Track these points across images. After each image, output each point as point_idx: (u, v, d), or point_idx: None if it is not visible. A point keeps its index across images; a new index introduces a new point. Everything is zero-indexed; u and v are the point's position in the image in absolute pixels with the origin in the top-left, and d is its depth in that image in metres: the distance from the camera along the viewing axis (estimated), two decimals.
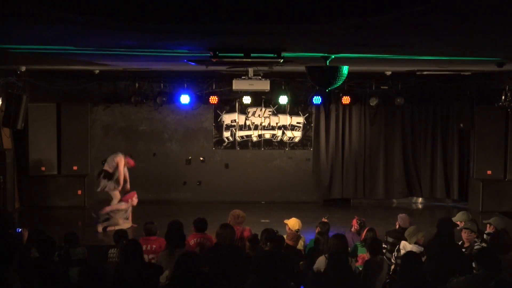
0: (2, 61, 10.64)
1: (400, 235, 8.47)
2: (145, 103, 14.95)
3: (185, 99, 14.30)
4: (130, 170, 15.25)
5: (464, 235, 8.05)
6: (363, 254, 8.16)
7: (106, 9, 4.45)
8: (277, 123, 15.46)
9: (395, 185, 15.36)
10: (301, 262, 8.17)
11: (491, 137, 14.31)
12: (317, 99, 14.46)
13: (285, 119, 15.44)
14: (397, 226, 8.89)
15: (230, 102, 15.22)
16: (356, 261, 8.13)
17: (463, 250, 7.90)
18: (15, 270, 5.93)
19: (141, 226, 8.74)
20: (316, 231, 9.00)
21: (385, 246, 8.55)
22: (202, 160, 14.54)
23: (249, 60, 7.27)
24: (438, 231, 7.99)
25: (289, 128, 15.48)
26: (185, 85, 14.47)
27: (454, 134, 15.10)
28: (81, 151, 14.57)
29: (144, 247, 7.67)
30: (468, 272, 6.61)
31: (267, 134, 15.49)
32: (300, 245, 8.93)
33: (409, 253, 6.86)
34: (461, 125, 14.42)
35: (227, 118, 15.40)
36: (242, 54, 7.11)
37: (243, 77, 11.56)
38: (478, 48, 7.39)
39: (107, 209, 11.73)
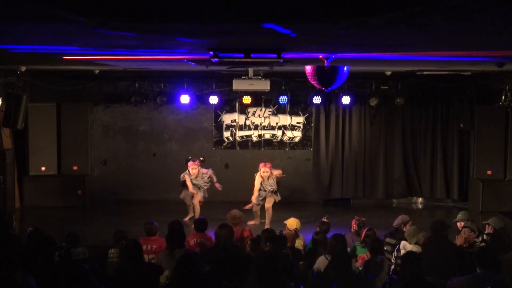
0: (2, 61, 10.64)
1: (399, 235, 8.47)
2: (145, 103, 14.96)
3: (185, 99, 14.30)
4: (132, 169, 15.29)
5: (464, 234, 8.05)
6: (363, 255, 8.16)
7: (106, 9, 4.46)
8: (277, 123, 15.46)
9: (395, 185, 15.36)
10: (301, 262, 8.17)
11: (491, 137, 14.31)
12: (317, 99, 14.46)
13: (285, 119, 15.44)
14: (395, 225, 8.88)
15: (230, 102, 15.23)
16: (356, 261, 8.14)
17: (464, 250, 7.90)
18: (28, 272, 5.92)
19: (142, 226, 8.74)
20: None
21: (385, 247, 8.53)
22: (202, 160, 14.52)
23: (249, 60, 7.27)
24: (433, 233, 7.99)
25: (289, 128, 15.48)
26: (185, 85, 14.48)
27: (454, 134, 15.09)
28: (81, 151, 14.57)
29: (144, 247, 7.68)
30: (467, 272, 6.61)
31: (267, 134, 15.50)
32: (299, 245, 8.94)
33: (409, 253, 6.86)
34: (461, 125, 14.42)
35: (227, 118, 15.40)
36: (242, 54, 7.11)
37: (243, 77, 11.56)
38: (478, 47, 7.39)
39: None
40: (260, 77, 11.61)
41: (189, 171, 12.65)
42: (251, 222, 12.19)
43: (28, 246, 7.44)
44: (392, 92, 14.46)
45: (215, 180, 12.90)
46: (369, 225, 9.07)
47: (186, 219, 12.46)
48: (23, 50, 8.22)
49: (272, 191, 12.28)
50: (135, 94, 14.64)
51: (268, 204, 12.20)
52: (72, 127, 14.56)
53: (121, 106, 15.18)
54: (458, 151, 15.13)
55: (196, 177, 12.64)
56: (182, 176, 12.73)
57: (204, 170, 12.88)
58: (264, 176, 12.22)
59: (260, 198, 12.34)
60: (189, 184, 12.60)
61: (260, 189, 12.32)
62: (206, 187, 12.79)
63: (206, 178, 12.81)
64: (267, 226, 11.35)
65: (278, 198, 12.35)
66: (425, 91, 14.83)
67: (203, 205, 12.61)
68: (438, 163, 15.20)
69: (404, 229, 8.51)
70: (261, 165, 12.35)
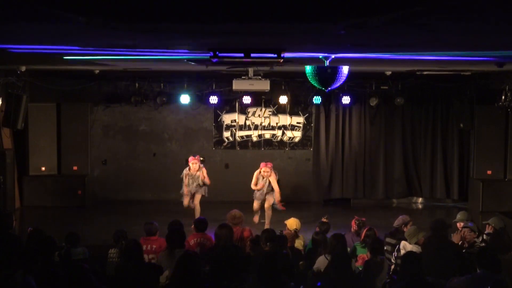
0: (2, 61, 10.64)
1: (399, 235, 8.47)
2: (145, 103, 14.97)
3: (185, 99, 14.31)
4: (132, 169, 15.30)
5: (463, 233, 8.04)
6: (363, 255, 8.16)
7: (106, 9, 4.46)
8: (277, 123, 15.47)
9: (395, 185, 15.37)
10: (300, 262, 8.17)
11: (491, 137, 14.31)
12: (317, 99, 14.46)
13: (285, 119, 15.44)
14: (395, 226, 8.87)
15: (230, 102, 15.23)
16: (356, 261, 8.13)
17: (463, 250, 7.90)
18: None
19: (142, 226, 8.74)
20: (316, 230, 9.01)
21: (385, 247, 8.53)
22: (202, 160, 14.55)
23: (249, 60, 7.27)
24: (433, 233, 7.97)
25: (289, 128, 15.48)
26: (185, 85, 14.48)
27: (454, 134, 15.10)
28: (81, 151, 14.57)
29: (144, 247, 7.68)
30: (467, 272, 6.61)
31: (267, 134, 15.50)
32: (299, 245, 8.94)
33: (409, 253, 6.85)
34: (461, 125, 14.43)
35: (227, 118, 15.40)
36: (242, 54, 7.11)
37: (243, 77, 11.55)
38: (478, 47, 7.39)
39: None
40: (260, 77, 11.61)
41: (189, 167, 12.53)
42: (256, 218, 12.16)
43: (28, 246, 7.44)
44: (392, 92, 14.47)
45: (203, 178, 12.51)
46: (369, 225, 9.07)
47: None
48: (23, 50, 8.22)
49: (268, 192, 12.24)
50: (135, 94, 14.64)
51: (267, 204, 12.20)
52: (72, 127, 14.56)
53: (121, 106, 15.19)
54: (458, 151, 15.13)
55: (195, 174, 12.47)
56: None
57: (204, 170, 12.77)
58: (265, 176, 12.21)
59: (262, 196, 12.28)
60: (185, 183, 12.47)
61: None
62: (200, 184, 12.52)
63: (201, 178, 12.51)
64: (266, 226, 11.37)
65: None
66: (425, 91, 14.83)
67: (203, 205, 12.58)
68: (438, 163, 15.20)
69: (405, 229, 8.50)
70: (262, 164, 12.33)
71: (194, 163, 12.50)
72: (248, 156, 15.40)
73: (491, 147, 14.31)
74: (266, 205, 12.20)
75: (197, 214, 12.19)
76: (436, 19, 4.75)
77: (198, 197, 12.53)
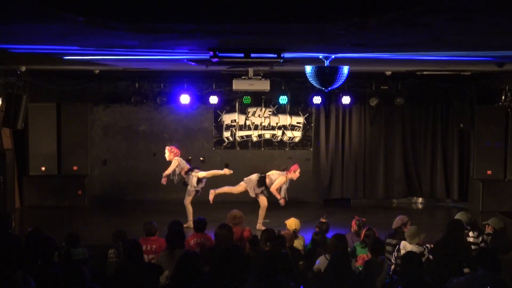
0: (2, 61, 10.64)
1: (400, 236, 8.46)
2: (145, 103, 14.95)
3: (185, 99, 14.30)
4: (132, 169, 15.29)
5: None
6: (363, 255, 8.15)
7: (106, 9, 4.46)
8: (277, 123, 15.46)
9: (395, 185, 15.36)
10: (300, 262, 8.17)
11: (491, 137, 14.31)
12: (317, 99, 14.46)
13: (285, 119, 15.44)
14: (394, 227, 8.85)
15: (230, 102, 15.23)
16: (356, 261, 8.13)
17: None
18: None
19: (142, 226, 8.74)
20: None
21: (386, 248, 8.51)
22: (202, 160, 14.55)
23: (249, 60, 7.27)
24: (447, 233, 7.92)
25: (289, 128, 15.48)
26: (185, 85, 14.47)
27: (454, 134, 15.09)
28: (81, 151, 14.56)
29: (144, 247, 7.68)
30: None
31: (267, 134, 15.50)
32: (299, 245, 8.94)
33: (409, 253, 6.85)
34: (461, 125, 14.42)
35: (227, 118, 15.40)
36: (242, 54, 7.12)
37: (243, 77, 11.56)
38: (478, 47, 7.40)
39: None
40: (260, 77, 11.61)
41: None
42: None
43: (28, 246, 7.44)
44: (392, 92, 14.46)
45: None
46: (369, 225, 9.06)
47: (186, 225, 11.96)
48: (23, 50, 8.21)
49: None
50: (135, 94, 14.64)
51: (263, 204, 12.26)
52: (72, 127, 14.54)
53: (121, 106, 15.18)
54: (458, 151, 15.13)
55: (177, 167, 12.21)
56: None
57: (175, 163, 12.31)
58: (294, 177, 12.20)
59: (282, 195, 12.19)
60: (171, 168, 12.24)
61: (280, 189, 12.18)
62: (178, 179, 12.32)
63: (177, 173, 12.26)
64: (259, 223, 11.53)
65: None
66: (425, 91, 14.83)
67: (203, 205, 12.56)
68: (438, 163, 15.20)
69: (404, 230, 8.49)
70: (295, 166, 12.26)
71: (166, 152, 12.29)
72: (248, 156, 15.40)
73: (491, 147, 14.31)
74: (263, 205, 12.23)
75: (189, 215, 12.05)
76: (436, 19, 4.76)
77: (187, 198, 12.30)
